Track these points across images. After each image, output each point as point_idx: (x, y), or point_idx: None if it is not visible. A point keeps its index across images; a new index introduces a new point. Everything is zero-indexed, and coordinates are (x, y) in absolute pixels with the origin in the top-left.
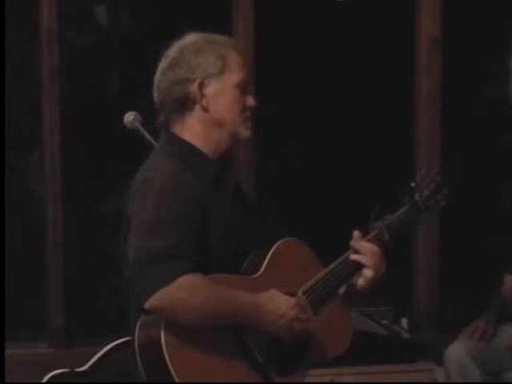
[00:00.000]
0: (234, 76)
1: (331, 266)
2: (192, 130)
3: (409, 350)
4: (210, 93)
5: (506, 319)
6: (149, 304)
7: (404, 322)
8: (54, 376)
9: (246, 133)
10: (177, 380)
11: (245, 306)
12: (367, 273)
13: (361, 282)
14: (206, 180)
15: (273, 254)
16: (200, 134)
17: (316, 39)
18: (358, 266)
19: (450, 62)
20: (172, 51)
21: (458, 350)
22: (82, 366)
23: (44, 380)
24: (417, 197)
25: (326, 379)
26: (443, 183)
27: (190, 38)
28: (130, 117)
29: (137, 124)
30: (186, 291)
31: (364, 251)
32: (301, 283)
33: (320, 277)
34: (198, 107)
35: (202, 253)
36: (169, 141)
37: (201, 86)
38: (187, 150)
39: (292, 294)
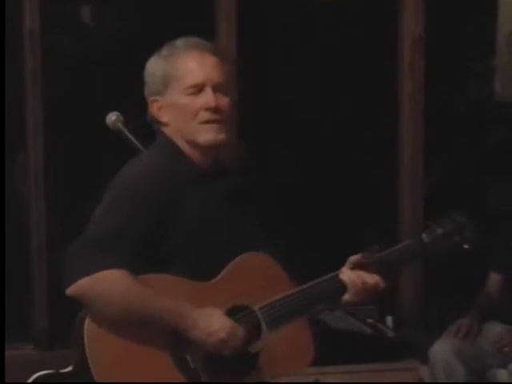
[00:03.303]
0: (180, 83)
1: (303, 287)
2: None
3: (393, 349)
4: (163, 109)
5: (491, 317)
6: (70, 290)
7: (389, 320)
8: (38, 377)
9: (205, 138)
10: (92, 368)
11: (171, 311)
12: (346, 297)
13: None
14: (183, 181)
15: (234, 264)
16: (176, 140)
17: (300, 39)
18: (339, 292)
19: (433, 61)
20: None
21: (442, 348)
22: (67, 367)
23: (29, 381)
24: (425, 233)
25: (311, 378)
26: (465, 225)
27: (153, 56)
28: (112, 117)
29: (119, 124)
30: (107, 285)
31: (351, 280)
32: (261, 299)
33: (285, 295)
34: (161, 122)
35: (157, 248)
36: (158, 138)
37: (154, 104)
38: (171, 150)
39: (244, 308)
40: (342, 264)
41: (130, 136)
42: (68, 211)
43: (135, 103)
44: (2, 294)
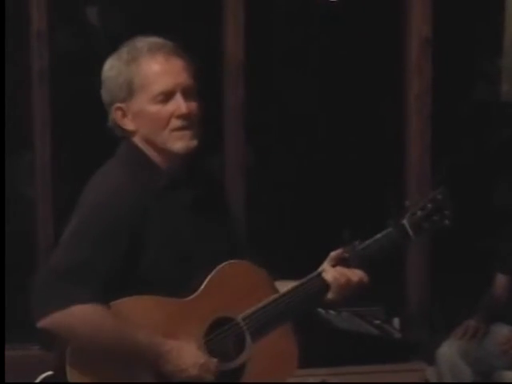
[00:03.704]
0: (147, 91)
1: (285, 291)
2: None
3: (400, 350)
4: (129, 116)
5: (497, 318)
6: (41, 323)
7: (396, 321)
8: (45, 378)
9: (178, 146)
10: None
11: (144, 346)
12: (330, 296)
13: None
14: (152, 192)
15: (214, 275)
16: (143, 148)
17: (306, 40)
18: (323, 291)
19: (440, 62)
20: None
21: (449, 350)
22: None
23: (36, 381)
24: (405, 219)
25: (318, 379)
26: (444, 203)
27: (111, 58)
28: None
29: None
30: (79, 321)
31: (333, 277)
32: (245, 307)
33: (268, 302)
34: (126, 130)
35: (131, 270)
36: (122, 146)
37: (118, 112)
38: (136, 159)
39: (227, 320)
40: None
41: None
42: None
43: None
44: (3, 293)
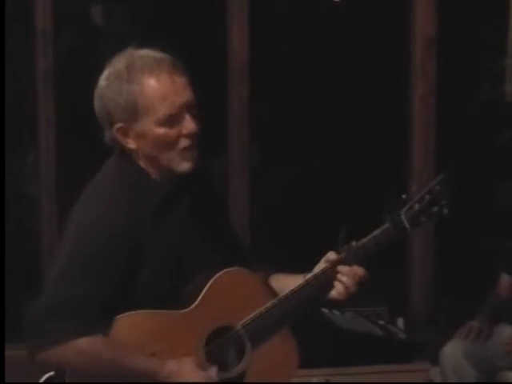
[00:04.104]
0: (153, 114)
1: (285, 295)
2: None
3: (404, 350)
4: (131, 136)
5: (502, 319)
6: (40, 358)
7: (400, 322)
8: (50, 377)
9: (185, 166)
10: None
11: (143, 372)
12: (336, 295)
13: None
14: (148, 208)
15: (211, 285)
16: (143, 165)
17: (310, 41)
18: (320, 293)
19: (445, 63)
20: (101, 78)
21: (453, 350)
22: None
23: (40, 380)
24: (402, 213)
25: (322, 379)
26: (442, 193)
27: (108, 71)
28: None
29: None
30: (74, 356)
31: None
32: (243, 315)
33: (266, 307)
34: (127, 148)
35: (127, 288)
36: (118, 160)
37: (119, 131)
38: (135, 175)
39: (226, 328)
40: None
41: None
42: None
43: None
44: (3, 292)
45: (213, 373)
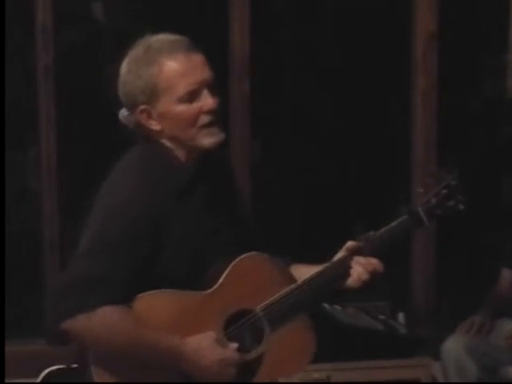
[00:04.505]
0: (173, 92)
1: (300, 282)
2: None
3: (405, 345)
4: (154, 117)
5: (503, 314)
6: (65, 326)
7: (401, 316)
8: (50, 372)
9: (209, 142)
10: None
11: (164, 349)
12: (351, 284)
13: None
14: (173, 190)
15: (232, 268)
16: (169, 146)
17: (311, 36)
18: (339, 280)
19: (446, 58)
20: (121, 67)
21: (454, 345)
22: None
23: (41, 376)
24: (419, 206)
25: (323, 374)
26: (458, 188)
27: (127, 58)
28: (125, 113)
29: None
30: (99, 322)
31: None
32: (263, 299)
33: (286, 292)
34: (152, 130)
35: (149, 270)
36: (145, 145)
37: (143, 114)
38: (158, 157)
39: (246, 312)
40: None
41: None
42: (81, 207)
43: None
44: (3, 290)
45: (232, 349)
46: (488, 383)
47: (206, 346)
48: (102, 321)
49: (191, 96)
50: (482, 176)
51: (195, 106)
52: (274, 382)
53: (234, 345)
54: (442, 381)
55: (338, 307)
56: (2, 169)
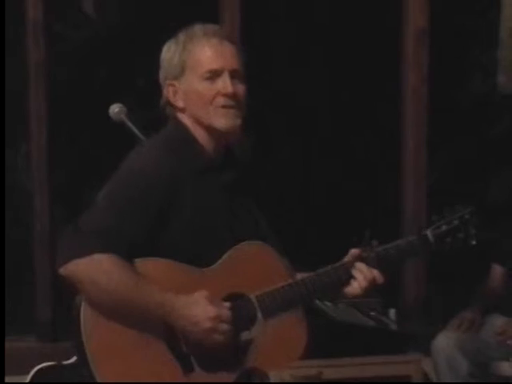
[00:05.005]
0: (198, 69)
1: (303, 278)
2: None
3: (396, 341)
4: (179, 94)
5: (493, 310)
6: (62, 270)
7: (392, 313)
8: (41, 369)
9: (222, 123)
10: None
11: (157, 302)
12: (348, 290)
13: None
14: (190, 169)
15: (233, 252)
16: (191, 126)
17: (303, 31)
18: (339, 284)
19: (436, 54)
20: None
21: (445, 341)
22: (69, 359)
23: (31, 373)
24: (429, 230)
25: (314, 371)
26: (471, 223)
27: (170, 42)
28: (115, 109)
29: (122, 116)
30: (96, 267)
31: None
32: (259, 288)
33: (283, 285)
34: (176, 107)
35: (155, 241)
36: (169, 124)
37: (170, 88)
38: (181, 136)
39: (240, 296)
40: (342, 258)
41: (132, 127)
42: (71, 201)
43: (139, 95)
44: (2, 288)
45: (226, 308)
46: (478, 383)
47: (199, 302)
48: (100, 266)
49: (213, 75)
50: (473, 172)
51: (215, 86)
52: (263, 375)
53: (227, 304)
54: (433, 377)
55: (329, 303)
56: (2, 169)
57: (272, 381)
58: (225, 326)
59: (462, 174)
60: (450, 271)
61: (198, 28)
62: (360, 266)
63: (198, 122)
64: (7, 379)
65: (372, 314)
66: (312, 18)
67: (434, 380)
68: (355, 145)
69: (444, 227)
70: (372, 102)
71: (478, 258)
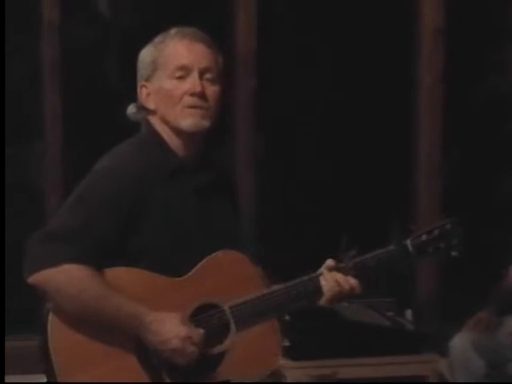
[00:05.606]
0: (167, 66)
1: (277, 288)
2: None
3: (412, 342)
4: (151, 95)
5: (509, 310)
6: (31, 280)
7: (408, 313)
8: None
9: (187, 123)
10: (55, 359)
11: (127, 314)
12: (321, 302)
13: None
14: (160, 173)
15: (207, 261)
16: (160, 129)
17: (317, 31)
18: (314, 294)
19: (452, 53)
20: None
21: (461, 342)
22: None
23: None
24: (409, 240)
25: (329, 370)
26: (452, 233)
27: (148, 44)
28: (133, 108)
29: (140, 116)
30: (65, 278)
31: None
32: (232, 298)
33: (257, 296)
34: (148, 109)
35: (124, 246)
36: (141, 125)
37: (143, 90)
38: (150, 139)
39: (213, 306)
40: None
41: None
42: None
43: None
44: (2, 288)
45: (198, 330)
46: (494, 383)
47: (170, 320)
48: (69, 276)
49: (182, 73)
50: (487, 170)
51: (183, 85)
52: (280, 375)
53: (200, 330)
54: (449, 377)
55: (344, 304)
56: (2, 169)
57: (289, 380)
58: (194, 349)
59: (478, 173)
60: (466, 272)
61: (172, 30)
62: (336, 276)
63: (166, 123)
64: (7, 379)
65: (388, 314)
66: (326, 17)
67: (450, 380)
68: (369, 144)
69: (424, 237)
70: (387, 102)
71: (494, 258)
